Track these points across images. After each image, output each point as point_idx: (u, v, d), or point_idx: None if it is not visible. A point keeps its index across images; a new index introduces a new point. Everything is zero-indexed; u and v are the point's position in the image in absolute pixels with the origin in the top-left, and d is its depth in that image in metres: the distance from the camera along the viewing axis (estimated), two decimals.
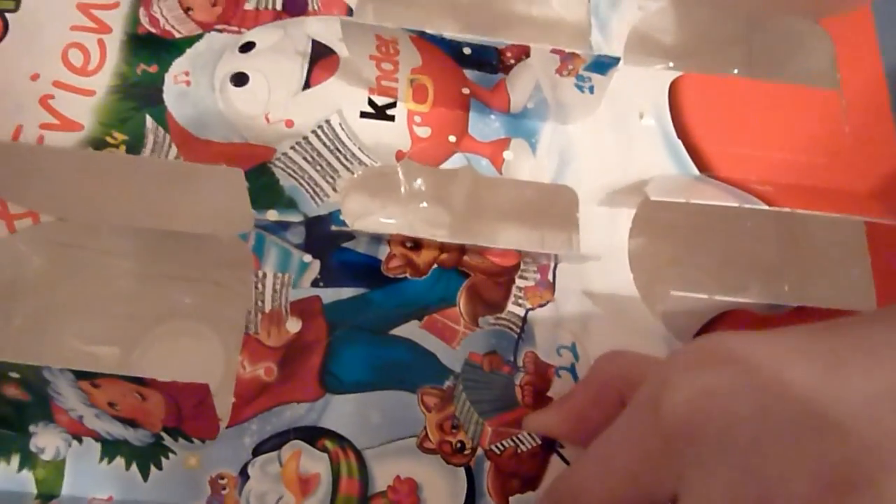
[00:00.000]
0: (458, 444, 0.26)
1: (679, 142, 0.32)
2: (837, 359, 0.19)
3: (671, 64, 0.40)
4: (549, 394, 0.27)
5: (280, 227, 0.28)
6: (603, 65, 0.28)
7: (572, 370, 0.27)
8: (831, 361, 0.19)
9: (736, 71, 0.41)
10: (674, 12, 0.38)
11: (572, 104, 0.30)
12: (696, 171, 0.31)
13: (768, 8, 0.36)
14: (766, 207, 0.27)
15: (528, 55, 0.28)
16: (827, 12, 0.34)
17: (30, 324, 0.32)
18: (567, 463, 0.26)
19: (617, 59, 0.28)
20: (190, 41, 0.31)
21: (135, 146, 0.29)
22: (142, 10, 0.31)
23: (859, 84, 0.34)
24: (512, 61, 0.28)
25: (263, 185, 0.29)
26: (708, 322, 0.28)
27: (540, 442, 0.25)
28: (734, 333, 0.21)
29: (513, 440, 0.26)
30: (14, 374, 0.24)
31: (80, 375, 0.23)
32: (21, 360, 0.24)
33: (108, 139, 0.29)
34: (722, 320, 0.28)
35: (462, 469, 0.26)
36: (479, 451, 0.26)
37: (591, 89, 0.30)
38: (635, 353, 0.26)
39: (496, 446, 0.26)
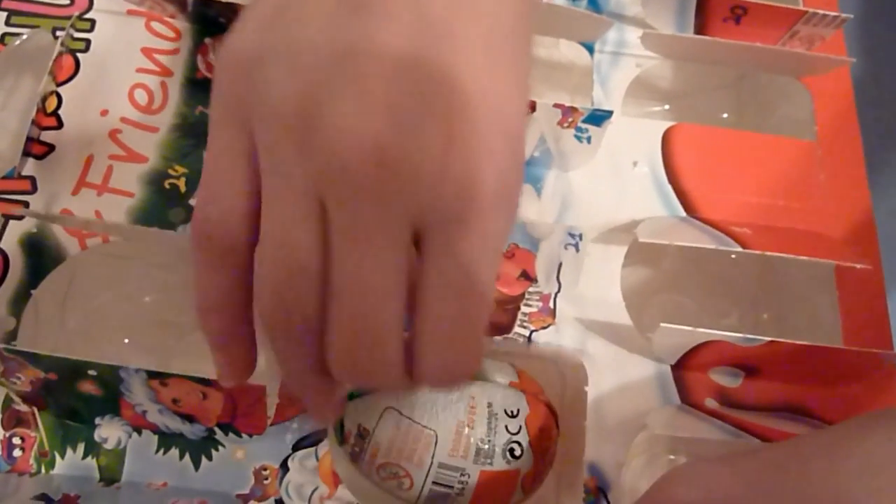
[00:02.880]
0: None
1: (669, 186, 0.33)
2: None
3: (667, 106, 0.41)
4: None
5: None
6: (598, 117, 0.31)
7: None
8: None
9: (725, 115, 0.42)
10: (670, 64, 0.40)
11: (573, 153, 0.32)
12: (683, 213, 0.33)
13: (754, 67, 0.37)
14: (741, 249, 0.29)
15: (534, 109, 0.30)
16: (808, 72, 0.36)
17: (82, 327, 0.33)
18: None
19: (610, 113, 0.30)
20: None
21: (193, 179, 0.31)
22: (199, 57, 0.33)
23: (835, 136, 0.35)
24: None
25: None
26: (690, 349, 0.29)
27: None
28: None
29: None
30: (92, 372, 0.26)
31: (153, 375, 0.25)
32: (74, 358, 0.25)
33: (170, 171, 0.31)
34: (703, 348, 0.29)
35: None
36: None
37: (589, 139, 0.32)
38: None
39: None
